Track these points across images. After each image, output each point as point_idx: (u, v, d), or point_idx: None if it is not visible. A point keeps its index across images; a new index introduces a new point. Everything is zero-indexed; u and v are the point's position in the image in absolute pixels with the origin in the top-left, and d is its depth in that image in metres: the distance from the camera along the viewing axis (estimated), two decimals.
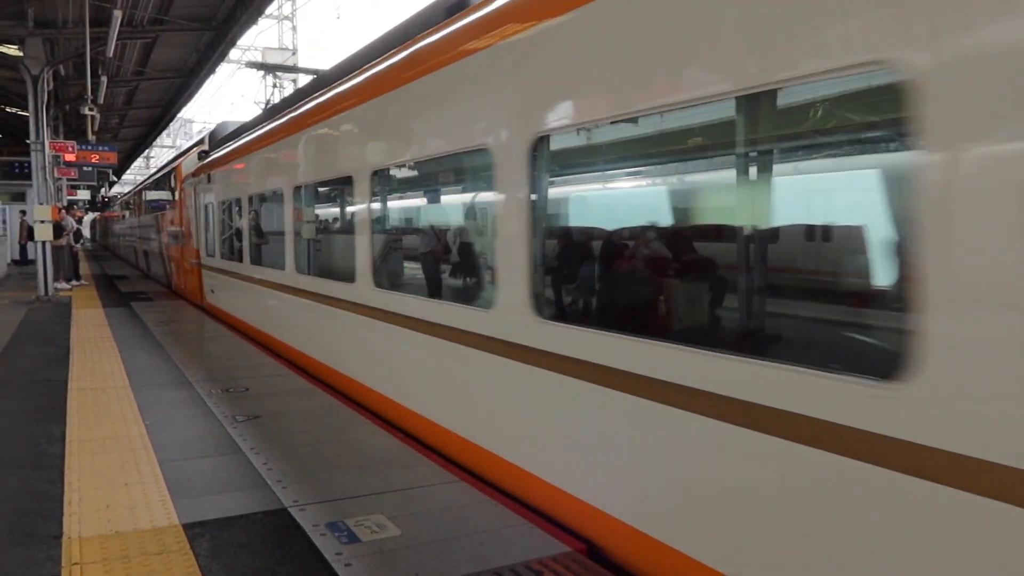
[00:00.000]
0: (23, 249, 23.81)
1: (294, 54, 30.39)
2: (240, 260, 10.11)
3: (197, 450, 4.72)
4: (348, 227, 6.29)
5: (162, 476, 4.19)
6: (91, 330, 10.03)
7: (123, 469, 4.32)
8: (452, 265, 5.54)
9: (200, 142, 14.92)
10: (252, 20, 13.98)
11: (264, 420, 5.37)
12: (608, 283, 3.90)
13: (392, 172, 5.78)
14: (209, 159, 12.52)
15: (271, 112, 9.94)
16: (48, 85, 14.34)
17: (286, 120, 8.15)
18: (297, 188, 7.62)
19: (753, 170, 3.21)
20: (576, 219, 4.50)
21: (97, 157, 18.93)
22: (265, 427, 5.20)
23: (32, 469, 4.37)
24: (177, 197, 15.85)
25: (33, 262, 16.92)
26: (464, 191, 5.63)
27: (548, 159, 3.74)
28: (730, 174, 3.35)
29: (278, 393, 6.35)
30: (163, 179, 19.52)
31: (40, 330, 10.12)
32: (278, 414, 5.58)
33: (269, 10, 18.88)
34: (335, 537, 3.39)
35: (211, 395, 6.13)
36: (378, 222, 5.81)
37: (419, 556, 3.22)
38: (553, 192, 3.91)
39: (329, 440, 4.89)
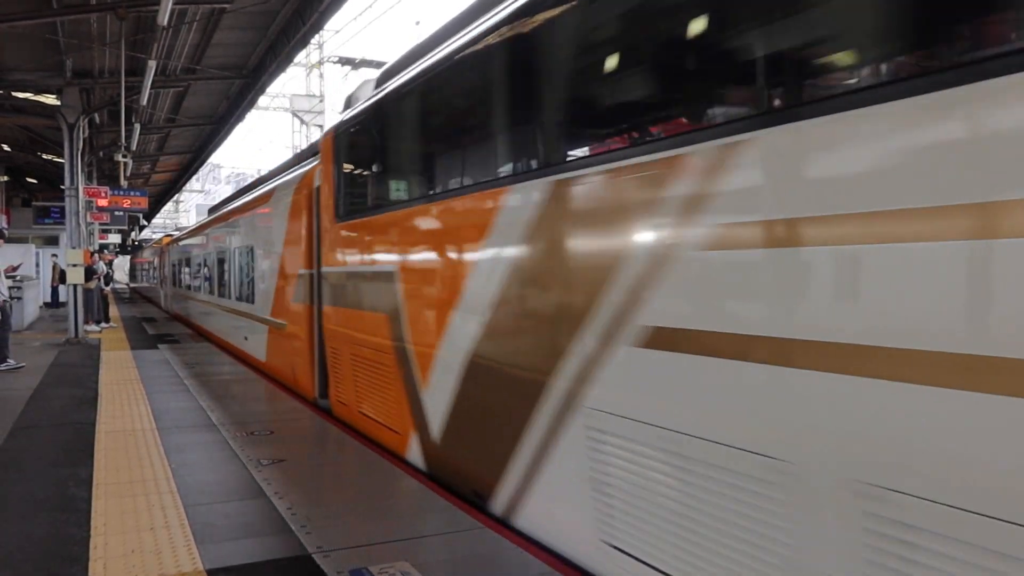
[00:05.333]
0: (55, 291, 24.27)
1: (321, 100, 31.13)
2: None
3: (222, 494, 4.71)
4: None
5: (187, 520, 4.19)
6: (119, 372, 10.14)
7: (149, 513, 4.33)
8: None
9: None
10: (281, 68, 14.28)
11: (289, 464, 5.37)
12: None
13: None
14: None
15: None
16: (83, 133, 14.72)
17: None
18: None
19: None
20: None
21: (129, 202, 19.36)
22: (290, 471, 5.19)
23: (60, 512, 4.39)
24: None
25: (64, 304, 17.18)
26: None
27: None
28: None
29: (303, 437, 6.35)
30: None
31: (70, 372, 10.25)
32: (303, 458, 5.58)
33: (297, 58, 19.32)
34: None
35: (236, 438, 6.14)
36: None
37: None
38: None
39: (354, 484, 4.87)
